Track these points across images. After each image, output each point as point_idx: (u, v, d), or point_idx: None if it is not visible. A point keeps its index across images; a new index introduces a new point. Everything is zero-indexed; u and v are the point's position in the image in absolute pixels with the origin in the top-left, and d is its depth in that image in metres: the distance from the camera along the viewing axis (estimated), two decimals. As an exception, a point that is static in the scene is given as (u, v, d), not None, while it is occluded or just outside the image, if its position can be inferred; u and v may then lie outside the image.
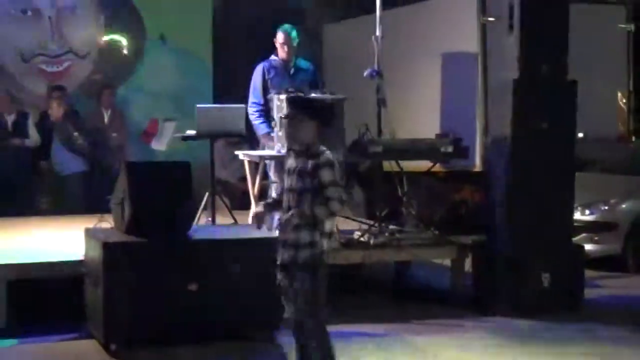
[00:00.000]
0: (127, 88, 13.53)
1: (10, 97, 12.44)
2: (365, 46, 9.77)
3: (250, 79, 9.40)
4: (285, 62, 9.31)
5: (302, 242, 5.89)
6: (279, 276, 6.06)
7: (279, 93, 8.66)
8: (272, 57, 9.38)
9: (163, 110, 13.16)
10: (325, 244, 5.95)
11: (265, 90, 9.14)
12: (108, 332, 7.14)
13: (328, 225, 5.95)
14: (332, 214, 5.93)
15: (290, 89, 8.75)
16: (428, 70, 10.92)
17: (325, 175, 5.84)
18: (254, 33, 13.08)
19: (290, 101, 6.27)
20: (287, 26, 9.36)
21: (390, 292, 9.47)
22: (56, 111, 12.01)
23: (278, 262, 6.04)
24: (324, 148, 5.96)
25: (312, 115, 5.96)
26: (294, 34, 9.32)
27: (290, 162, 5.99)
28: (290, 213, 5.86)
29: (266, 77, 9.22)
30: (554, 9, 8.72)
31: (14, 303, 7.83)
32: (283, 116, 6.22)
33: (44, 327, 7.73)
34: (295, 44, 9.31)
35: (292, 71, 9.32)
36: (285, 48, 9.25)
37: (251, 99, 9.27)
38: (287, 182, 5.97)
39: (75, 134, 11.78)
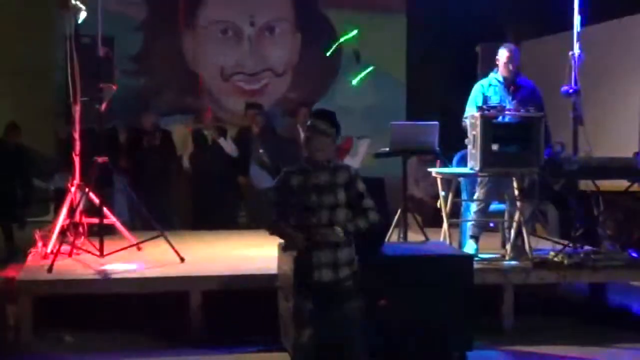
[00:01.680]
0: (322, 105, 13.73)
1: (212, 114, 12.87)
2: (563, 63, 9.60)
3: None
4: (506, 80, 9.19)
5: (342, 261, 5.79)
6: (306, 300, 5.79)
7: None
8: (492, 74, 9.31)
9: (357, 127, 13.30)
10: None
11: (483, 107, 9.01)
12: (300, 345, 7.22)
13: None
14: (372, 225, 5.80)
15: (485, 107, 8.69)
16: (627, 87, 10.67)
17: (361, 186, 5.74)
18: (450, 50, 13.06)
19: (316, 114, 6.08)
20: (510, 44, 9.30)
21: (585, 315, 9.23)
22: (252, 128, 12.31)
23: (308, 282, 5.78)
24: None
25: (334, 129, 5.80)
26: (517, 51, 9.23)
27: (311, 179, 5.73)
28: (330, 230, 5.67)
29: (485, 94, 9.13)
30: None
31: (210, 314, 8.05)
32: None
33: (238, 338, 7.92)
34: (517, 61, 9.20)
35: (511, 89, 9.19)
36: (509, 66, 9.11)
37: (466, 114, 9.19)
38: (312, 198, 5.70)
39: (261, 151, 12.02)
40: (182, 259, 8.78)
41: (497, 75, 9.22)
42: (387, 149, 9.48)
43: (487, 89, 9.13)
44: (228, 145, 12.27)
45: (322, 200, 5.68)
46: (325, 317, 5.77)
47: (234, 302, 8.31)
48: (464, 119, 9.08)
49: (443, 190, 9.19)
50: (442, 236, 9.08)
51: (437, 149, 9.47)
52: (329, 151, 5.75)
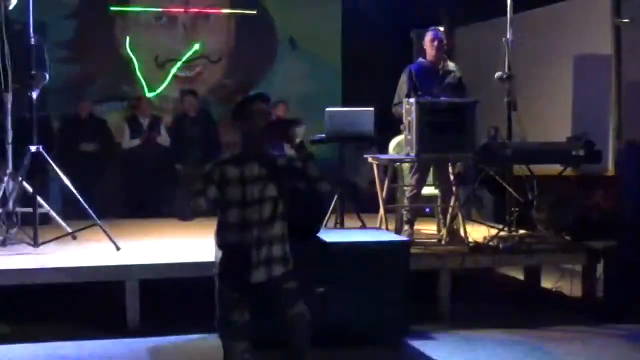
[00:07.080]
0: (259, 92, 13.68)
1: (148, 101, 12.81)
2: (496, 49, 9.68)
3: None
4: (434, 64, 9.26)
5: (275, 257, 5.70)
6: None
7: (423, 95, 8.66)
8: (420, 59, 9.36)
9: (293, 114, 13.27)
10: None
11: (412, 92, 9.05)
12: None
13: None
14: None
15: (419, 93, 8.73)
16: (560, 73, 10.76)
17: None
18: (386, 36, 13.07)
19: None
20: (437, 28, 9.37)
21: (520, 298, 9.33)
22: (189, 114, 12.31)
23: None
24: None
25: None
26: (443, 35, 9.30)
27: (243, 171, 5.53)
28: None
29: (414, 79, 9.17)
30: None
31: (147, 303, 8.01)
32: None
33: (176, 326, 7.89)
34: (444, 45, 9.27)
35: (439, 74, 9.26)
36: (434, 49, 9.21)
37: (395, 100, 9.23)
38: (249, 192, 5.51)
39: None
40: (118, 248, 8.71)
41: (424, 61, 9.29)
42: (323, 135, 9.48)
43: (416, 74, 9.19)
44: (160, 137, 12.26)
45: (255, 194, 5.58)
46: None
47: (172, 290, 8.28)
48: (394, 105, 9.15)
49: (379, 176, 9.23)
50: (378, 222, 9.12)
51: (373, 135, 9.49)
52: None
